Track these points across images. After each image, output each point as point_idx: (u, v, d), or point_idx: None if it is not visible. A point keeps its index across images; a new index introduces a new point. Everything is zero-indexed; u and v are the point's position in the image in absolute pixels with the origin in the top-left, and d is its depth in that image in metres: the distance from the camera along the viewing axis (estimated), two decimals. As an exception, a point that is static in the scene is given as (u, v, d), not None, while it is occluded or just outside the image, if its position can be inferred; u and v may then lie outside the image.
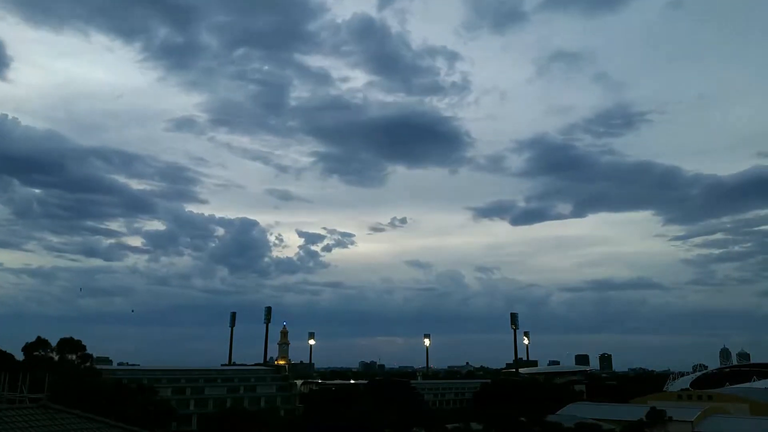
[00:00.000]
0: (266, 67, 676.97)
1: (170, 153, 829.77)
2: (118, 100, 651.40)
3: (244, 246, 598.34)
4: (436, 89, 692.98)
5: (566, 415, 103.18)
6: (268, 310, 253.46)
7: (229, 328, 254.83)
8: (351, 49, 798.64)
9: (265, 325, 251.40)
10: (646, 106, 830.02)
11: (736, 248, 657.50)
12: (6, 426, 24.80)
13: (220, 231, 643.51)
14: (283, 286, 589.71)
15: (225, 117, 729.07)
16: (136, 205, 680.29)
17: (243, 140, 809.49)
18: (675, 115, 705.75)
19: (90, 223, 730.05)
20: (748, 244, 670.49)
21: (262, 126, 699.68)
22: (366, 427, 79.97)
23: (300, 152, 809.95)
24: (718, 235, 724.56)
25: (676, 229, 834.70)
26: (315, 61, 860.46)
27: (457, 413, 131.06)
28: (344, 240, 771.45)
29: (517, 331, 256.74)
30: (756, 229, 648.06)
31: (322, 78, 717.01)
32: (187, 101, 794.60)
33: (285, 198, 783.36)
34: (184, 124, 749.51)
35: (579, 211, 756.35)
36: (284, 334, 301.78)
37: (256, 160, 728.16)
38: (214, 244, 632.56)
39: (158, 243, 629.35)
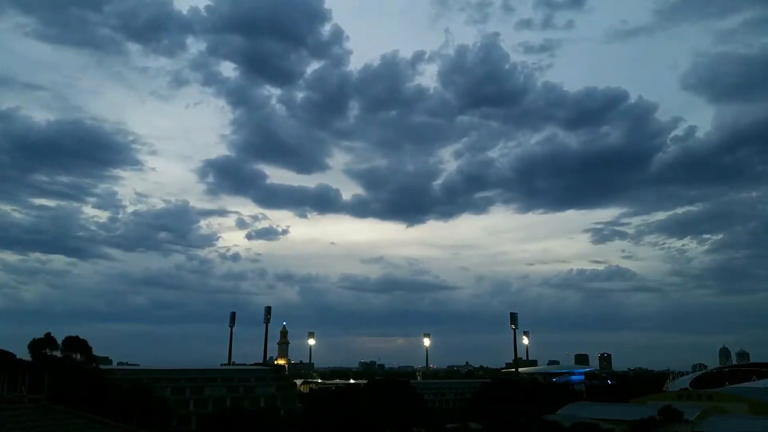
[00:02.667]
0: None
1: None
2: None
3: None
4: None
5: (566, 414, 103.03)
6: (268, 309, 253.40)
7: (229, 328, 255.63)
8: None
9: (264, 325, 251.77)
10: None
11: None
12: (6, 426, 24.72)
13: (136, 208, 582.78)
14: (229, 274, 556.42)
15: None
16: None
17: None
18: None
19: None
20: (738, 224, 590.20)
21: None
22: (366, 427, 79.86)
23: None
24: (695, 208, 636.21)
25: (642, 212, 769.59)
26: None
27: (456, 413, 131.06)
28: (275, 227, 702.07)
29: (516, 330, 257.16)
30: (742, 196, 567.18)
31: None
32: None
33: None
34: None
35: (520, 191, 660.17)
36: (284, 333, 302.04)
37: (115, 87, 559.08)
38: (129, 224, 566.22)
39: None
